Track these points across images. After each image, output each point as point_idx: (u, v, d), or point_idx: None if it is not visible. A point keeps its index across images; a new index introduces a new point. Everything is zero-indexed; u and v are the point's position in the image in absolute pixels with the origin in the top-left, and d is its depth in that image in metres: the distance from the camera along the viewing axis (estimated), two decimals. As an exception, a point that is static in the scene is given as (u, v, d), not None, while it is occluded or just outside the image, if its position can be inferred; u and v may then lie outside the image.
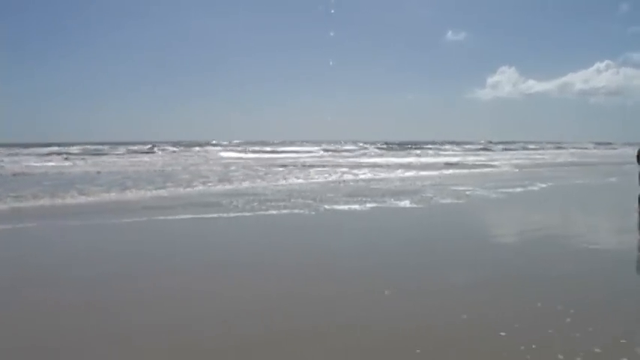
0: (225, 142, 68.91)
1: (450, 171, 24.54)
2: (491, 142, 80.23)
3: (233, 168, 24.85)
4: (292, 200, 12.35)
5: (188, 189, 15.12)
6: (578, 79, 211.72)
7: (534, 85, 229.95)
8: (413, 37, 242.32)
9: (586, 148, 72.57)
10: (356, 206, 11.34)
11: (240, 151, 48.01)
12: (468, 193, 14.28)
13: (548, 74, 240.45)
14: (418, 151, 51.75)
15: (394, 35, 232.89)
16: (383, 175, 20.96)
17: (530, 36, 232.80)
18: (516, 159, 38.96)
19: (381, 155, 45.11)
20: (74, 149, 44.35)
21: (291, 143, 69.50)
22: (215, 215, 10.19)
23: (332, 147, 58.71)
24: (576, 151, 59.39)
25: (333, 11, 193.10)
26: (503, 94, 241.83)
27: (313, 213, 10.47)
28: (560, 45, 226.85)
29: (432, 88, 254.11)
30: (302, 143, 69.87)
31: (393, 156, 43.32)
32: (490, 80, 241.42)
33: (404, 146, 62.64)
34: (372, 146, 60.25)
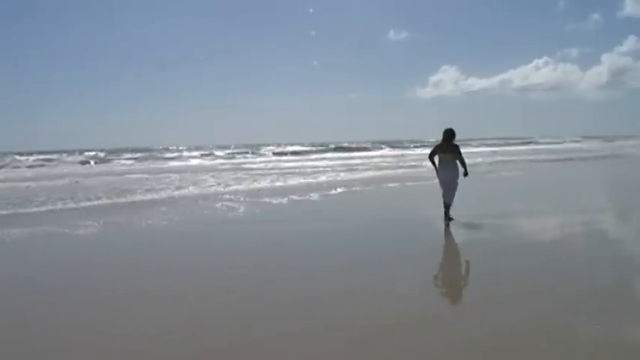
0: (172, 147, 67.43)
1: (324, 178, 22.40)
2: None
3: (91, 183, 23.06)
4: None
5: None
6: (518, 76, 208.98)
7: (475, 83, 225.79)
8: (354, 37, 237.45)
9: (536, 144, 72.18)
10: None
11: (167, 159, 46.24)
12: (230, 205, 12.75)
13: (488, 71, 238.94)
14: (346, 154, 50.64)
15: (336, 35, 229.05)
16: (217, 189, 18.39)
17: (471, 34, 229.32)
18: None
19: (296, 160, 42.87)
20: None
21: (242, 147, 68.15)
22: None
23: (279, 150, 57.52)
24: (526, 148, 58.10)
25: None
26: (446, 92, 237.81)
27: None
28: (499, 42, 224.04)
29: (374, 87, 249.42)
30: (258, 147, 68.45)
31: (323, 159, 41.44)
32: (432, 79, 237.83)
33: (346, 148, 61.35)
34: (316, 148, 58.64)
